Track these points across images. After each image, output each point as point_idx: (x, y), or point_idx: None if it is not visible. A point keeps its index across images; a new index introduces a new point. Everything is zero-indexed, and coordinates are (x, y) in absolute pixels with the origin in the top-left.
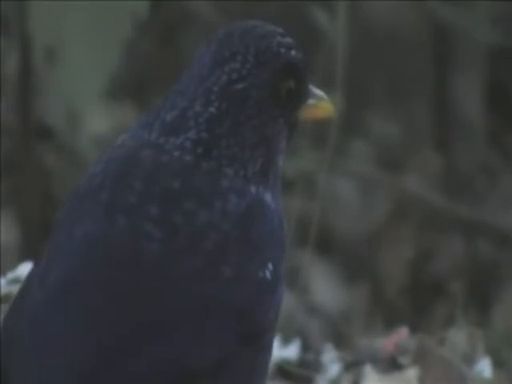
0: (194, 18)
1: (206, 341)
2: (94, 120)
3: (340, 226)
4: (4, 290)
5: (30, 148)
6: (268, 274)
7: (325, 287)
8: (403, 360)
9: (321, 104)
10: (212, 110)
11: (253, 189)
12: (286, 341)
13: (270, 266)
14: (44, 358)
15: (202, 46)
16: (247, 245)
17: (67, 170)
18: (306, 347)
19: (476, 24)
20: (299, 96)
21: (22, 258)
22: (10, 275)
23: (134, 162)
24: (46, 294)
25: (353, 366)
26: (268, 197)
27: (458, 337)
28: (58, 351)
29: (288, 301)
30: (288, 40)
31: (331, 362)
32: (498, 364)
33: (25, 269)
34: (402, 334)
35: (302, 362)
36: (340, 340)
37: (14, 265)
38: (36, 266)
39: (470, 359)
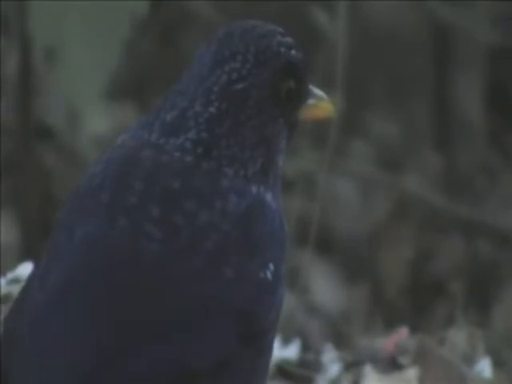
0: (193, 18)
1: (206, 341)
2: (94, 120)
3: (340, 226)
4: (4, 290)
5: (30, 148)
6: (269, 275)
7: (325, 287)
8: (403, 360)
9: (321, 104)
10: (212, 109)
11: (253, 189)
12: (286, 341)
13: (271, 266)
14: (44, 358)
15: (202, 45)
16: (248, 245)
17: (67, 170)
18: (306, 347)
19: (476, 24)
20: (299, 96)
21: (22, 258)
22: (10, 275)
23: (134, 162)
24: (47, 295)
25: (353, 365)
26: (268, 197)
27: (458, 337)
28: (59, 351)
29: (288, 301)
30: (288, 39)
31: (331, 362)
32: (498, 364)
33: (25, 269)
34: (402, 334)
35: (302, 362)
36: (340, 340)
37: (13, 265)
38: (36, 266)
39: (470, 359)
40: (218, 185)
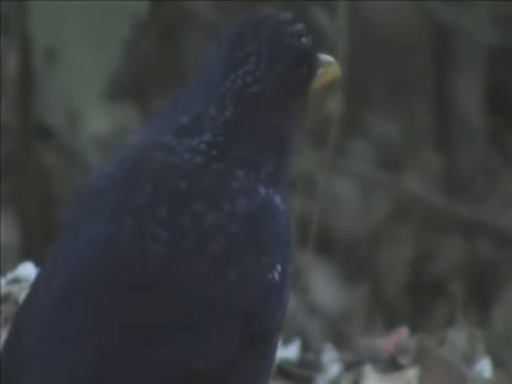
0: (194, 17)
1: (212, 342)
2: (94, 120)
3: (340, 226)
4: (4, 290)
5: (30, 148)
6: (276, 276)
7: (325, 287)
8: (403, 360)
9: (327, 69)
10: (228, 114)
11: (262, 190)
12: (286, 341)
13: (278, 267)
14: (48, 361)
15: (211, 45)
16: (255, 246)
17: (67, 170)
18: (306, 347)
19: (476, 24)
20: (311, 77)
21: (22, 258)
22: (10, 275)
23: (144, 163)
24: (52, 298)
25: (353, 366)
26: (277, 198)
27: (458, 337)
28: (62, 354)
29: None
30: (298, 27)
31: (331, 362)
32: (497, 364)
33: (25, 269)
34: (402, 334)
35: (302, 362)
36: (340, 340)
37: (14, 265)
38: (43, 267)
39: (470, 359)
40: (227, 186)
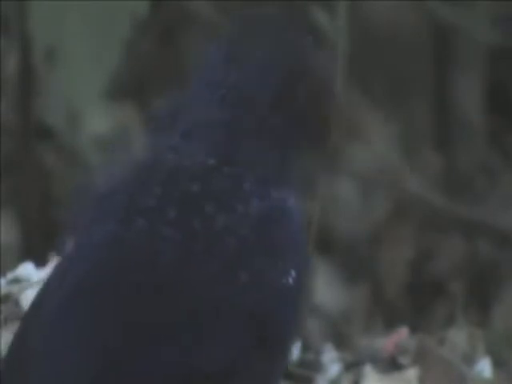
0: (193, 17)
1: (220, 344)
2: (94, 120)
3: (340, 226)
4: (4, 290)
5: (30, 148)
6: (289, 279)
7: (325, 287)
8: (403, 360)
9: None
10: (230, 115)
11: (274, 191)
12: None
13: (291, 269)
14: (55, 363)
15: (211, 44)
16: (267, 249)
17: (67, 170)
18: (306, 347)
19: (476, 24)
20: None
21: (22, 258)
22: (10, 275)
23: (154, 164)
24: (59, 299)
25: (353, 366)
26: (289, 200)
27: (458, 337)
28: (67, 356)
29: None
30: (298, 28)
31: (331, 362)
32: (497, 364)
33: (25, 269)
34: (402, 334)
35: (302, 362)
36: (340, 340)
37: (14, 265)
38: (53, 269)
39: (470, 359)
40: (238, 188)
